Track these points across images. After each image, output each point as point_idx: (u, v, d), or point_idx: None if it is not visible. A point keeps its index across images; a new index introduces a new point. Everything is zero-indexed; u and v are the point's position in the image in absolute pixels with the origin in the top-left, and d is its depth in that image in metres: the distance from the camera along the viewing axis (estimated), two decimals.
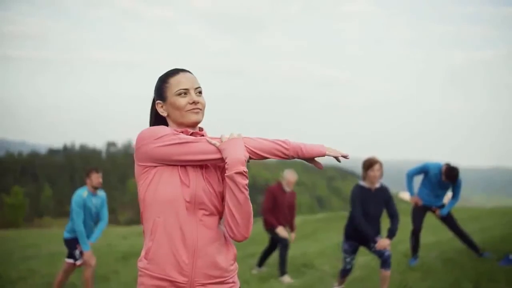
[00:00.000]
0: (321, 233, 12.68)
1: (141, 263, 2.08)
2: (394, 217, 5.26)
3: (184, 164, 2.03)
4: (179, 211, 2.01)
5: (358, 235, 5.23)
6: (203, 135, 2.15)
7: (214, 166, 2.12)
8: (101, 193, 6.20)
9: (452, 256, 6.96)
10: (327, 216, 18.28)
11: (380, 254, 5.14)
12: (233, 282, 2.13)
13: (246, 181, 2.00)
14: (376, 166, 5.16)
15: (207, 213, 2.06)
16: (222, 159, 2.03)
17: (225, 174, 2.00)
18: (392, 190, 5.54)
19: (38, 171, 70.81)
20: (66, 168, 73.12)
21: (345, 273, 5.58)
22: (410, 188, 6.97)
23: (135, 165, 2.09)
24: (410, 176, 6.94)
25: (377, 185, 5.27)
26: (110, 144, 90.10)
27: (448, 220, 6.92)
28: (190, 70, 2.18)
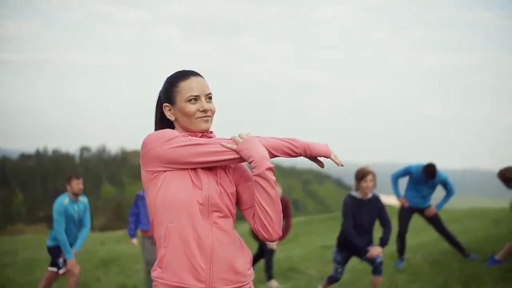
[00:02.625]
0: (302, 237, 12.67)
1: (155, 272, 2.00)
2: (386, 226, 5.21)
3: (197, 166, 1.97)
4: (193, 214, 1.94)
5: (350, 246, 5.16)
6: (211, 138, 2.09)
7: (224, 168, 2.06)
8: (83, 199, 6.05)
9: (438, 257, 6.99)
10: (306, 220, 18.37)
11: (372, 261, 5.09)
12: None
13: (275, 177, 1.97)
14: (369, 177, 5.08)
15: (221, 215, 2.00)
16: (237, 160, 1.99)
17: (255, 173, 1.94)
18: None
19: (9, 176, 69.44)
20: (38, 173, 71.91)
21: (333, 280, 5.51)
22: (396, 191, 7.00)
23: (142, 172, 2.02)
24: (395, 178, 6.96)
25: (369, 195, 5.20)
26: (84, 149, 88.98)
27: (435, 221, 6.96)
28: (200, 73, 2.12)
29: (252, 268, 2.10)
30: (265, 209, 1.96)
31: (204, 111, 2.04)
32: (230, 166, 2.08)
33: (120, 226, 28.77)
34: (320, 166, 2.14)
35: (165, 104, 2.09)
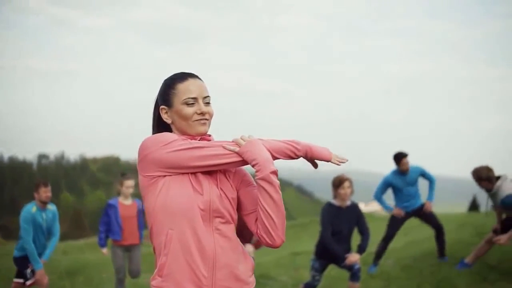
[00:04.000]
0: None
1: (155, 281, 1.92)
2: (364, 233, 5.23)
3: (198, 170, 1.90)
4: (194, 220, 1.87)
5: (329, 254, 5.16)
6: (210, 141, 2.03)
7: (225, 173, 2.01)
8: (52, 207, 5.85)
9: (409, 262, 7.07)
10: None
11: (350, 268, 5.10)
12: None
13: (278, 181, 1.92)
14: (346, 184, 5.11)
15: (223, 221, 1.93)
16: (239, 163, 1.93)
17: (258, 177, 1.88)
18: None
19: None
20: None
21: (310, 287, 5.50)
22: (385, 206, 7.03)
23: (140, 177, 1.94)
24: (379, 197, 6.98)
25: (348, 203, 5.22)
26: (42, 156, 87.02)
27: (432, 219, 6.99)
28: (199, 76, 2.06)
29: (253, 275, 2.05)
30: (268, 213, 1.90)
31: (202, 114, 1.98)
32: (230, 170, 2.02)
33: (81, 235, 28.09)
34: (314, 167, 2.11)
35: (162, 106, 2.03)
